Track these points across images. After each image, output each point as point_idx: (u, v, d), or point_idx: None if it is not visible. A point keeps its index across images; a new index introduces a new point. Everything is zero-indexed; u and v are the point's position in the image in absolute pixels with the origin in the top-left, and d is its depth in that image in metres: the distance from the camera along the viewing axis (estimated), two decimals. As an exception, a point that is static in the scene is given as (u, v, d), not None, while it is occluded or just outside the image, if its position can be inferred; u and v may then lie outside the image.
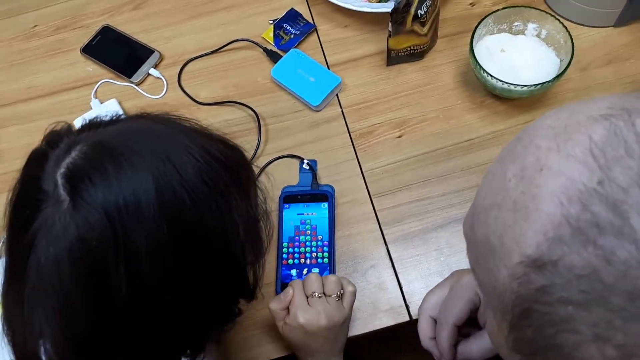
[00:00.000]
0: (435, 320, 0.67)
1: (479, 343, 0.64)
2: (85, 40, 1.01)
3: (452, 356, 0.64)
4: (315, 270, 0.80)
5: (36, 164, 0.47)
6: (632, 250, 0.30)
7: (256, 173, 0.86)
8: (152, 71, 0.97)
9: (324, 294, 0.69)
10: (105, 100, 0.95)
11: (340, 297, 0.69)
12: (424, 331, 0.67)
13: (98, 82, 0.97)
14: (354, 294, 0.71)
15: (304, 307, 0.67)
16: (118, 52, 0.99)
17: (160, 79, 0.97)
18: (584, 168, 0.32)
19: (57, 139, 0.48)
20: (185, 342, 0.52)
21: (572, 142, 0.33)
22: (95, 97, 0.96)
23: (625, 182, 0.31)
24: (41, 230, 0.44)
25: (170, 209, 0.45)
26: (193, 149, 0.48)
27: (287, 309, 0.69)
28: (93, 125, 0.50)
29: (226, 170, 0.49)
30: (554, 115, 0.37)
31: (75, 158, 0.45)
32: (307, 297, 0.69)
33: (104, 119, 0.51)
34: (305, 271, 0.80)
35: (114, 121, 0.51)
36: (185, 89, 0.96)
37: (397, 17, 0.84)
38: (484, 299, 0.41)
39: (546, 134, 0.35)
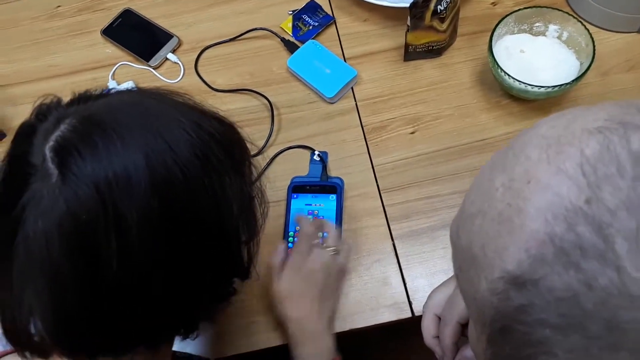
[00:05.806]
0: (439, 318, 0.66)
1: None
2: (106, 23, 1.02)
3: (453, 354, 0.64)
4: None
5: (24, 137, 0.46)
6: (613, 277, 0.29)
7: (266, 162, 0.88)
8: (170, 56, 0.98)
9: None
10: (123, 83, 0.96)
11: (338, 252, 0.76)
12: (428, 329, 0.67)
13: (116, 64, 0.98)
14: (350, 250, 0.78)
15: (302, 251, 0.74)
16: (137, 36, 1.00)
17: (178, 64, 0.97)
18: (573, 184, 0.30)
19: (46, 112, 0.47)
20: (178, 319, 0.51)
21: (564, 156, 0.32)
22: (113, 79, 0.97)
23: (613, 204, 0.29)
24: (29, 204, 0.43)
25: (161, 183, 0.44)
26: (185, 124, 0.47)
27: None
28: (82, 98, 0.49)
29: (219, 145, 0.48)
30: (549, 123, 0.35)
31: (64, 131, 0.44)
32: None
33: (93, 92, 0.50)
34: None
35: (104, 95, 0.50)
36: (202, 75, 0.96)
37: (416, 11, 0.84)
38: (466, 307, 0.40)
39: (538, 143, 0.34)
